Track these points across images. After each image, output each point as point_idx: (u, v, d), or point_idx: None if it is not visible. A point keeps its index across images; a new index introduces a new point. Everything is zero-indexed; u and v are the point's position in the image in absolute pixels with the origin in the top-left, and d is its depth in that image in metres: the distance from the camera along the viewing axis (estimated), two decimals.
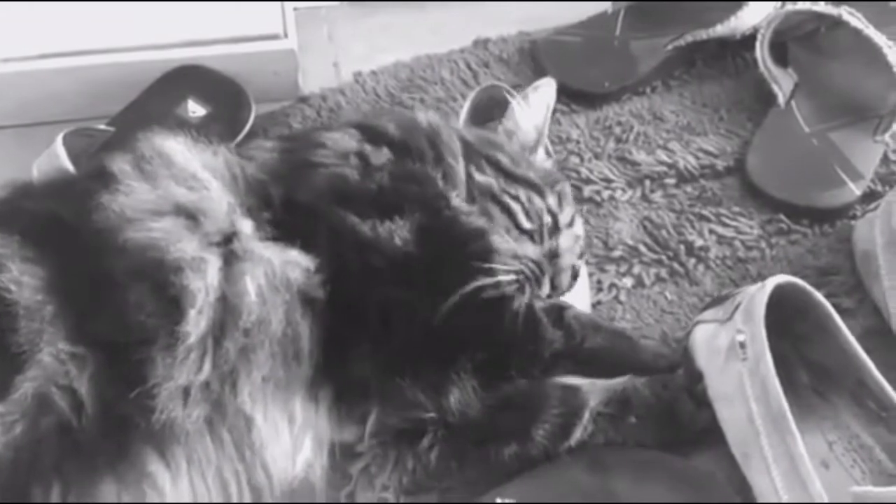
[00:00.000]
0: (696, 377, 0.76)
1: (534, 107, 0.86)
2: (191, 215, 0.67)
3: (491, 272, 0.71)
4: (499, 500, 0.67)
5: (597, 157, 1.00)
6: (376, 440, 0.73)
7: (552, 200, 0.81)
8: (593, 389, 0.73)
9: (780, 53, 1.05)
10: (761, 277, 0.89)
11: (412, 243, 0.70)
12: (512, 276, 0.73)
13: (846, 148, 0.99)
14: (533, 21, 1.15)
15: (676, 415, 0.74)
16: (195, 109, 0.98)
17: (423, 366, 0.69)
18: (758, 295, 0.73)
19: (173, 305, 0.63)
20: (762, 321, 0.72)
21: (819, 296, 0.75)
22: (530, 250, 0.77)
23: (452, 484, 0.74)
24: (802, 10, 1.01)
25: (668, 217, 0.95)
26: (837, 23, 1.00)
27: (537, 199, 0.80)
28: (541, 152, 0.86)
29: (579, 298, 0.84)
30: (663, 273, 0.91)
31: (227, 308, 0.65)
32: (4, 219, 0.67)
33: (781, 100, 1.03)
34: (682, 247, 0.92)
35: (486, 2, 1.18)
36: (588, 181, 0.97)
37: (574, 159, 0.99)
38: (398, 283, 0.69)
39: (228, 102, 0.99)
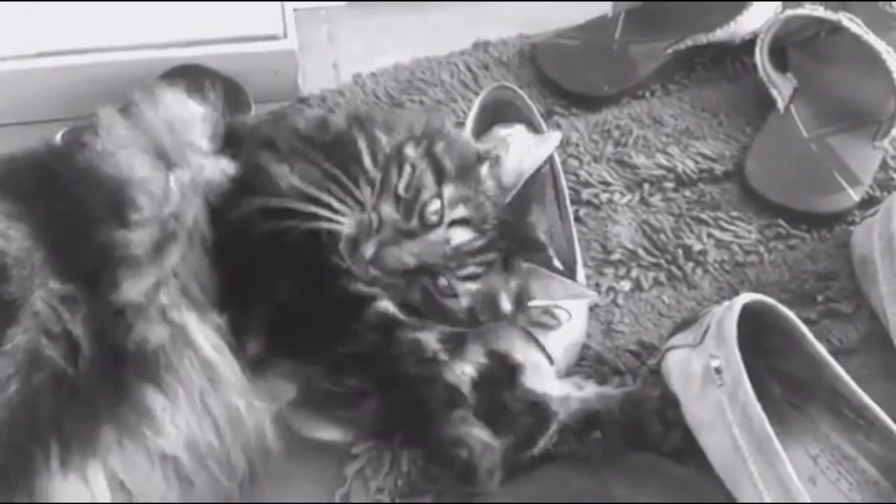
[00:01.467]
0: (671, 403, 0.75)
1: (530, 155, 0.79)
2: (156, 140, 0.72)
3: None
4: None
5: (595, 160, 1.00)
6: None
7: (450, 192, 0.73)
8: (563, 405, 0.73)
9: (780, 58, 1.05)
10: (759, 282, 0.90)
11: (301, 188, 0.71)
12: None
13: (845, 153, 0.99)
14: (533, 24, 1.15)
15: (644, 435, 0.74)
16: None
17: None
18: (727, 317, 0.72)
19: (127, 220, 0.68)
20: (735, 344, 0.71)
21: (785, 310, 0.74)
22: (387, 210, 0.72)
23: (447, 487, 0.73)
24: (802, 15, 1.02)
25: (667, 221, 0.95)
26: (837, 28, 1.00)
27: (429, 178, 0.73)
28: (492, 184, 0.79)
29: (577, 304, 0.84)
30: (661, 277, 0.90)
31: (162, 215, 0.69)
32: None
33: (781, 105, 1.03)
34: (680, 251, 0.92)
35: (486, 3, 1.18)
36: (587, 184, 0.97)
37: (573, 162, 0.99)
38: (277, 217, 0.70)
39: (228, 102, 0.98)
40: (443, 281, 0.72)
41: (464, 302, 0.73)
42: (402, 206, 0.71)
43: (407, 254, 0.70)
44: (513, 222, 0.76)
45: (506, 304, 0.75)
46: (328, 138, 0.76)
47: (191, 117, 0.76)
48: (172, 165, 0.71)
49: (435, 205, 0.71)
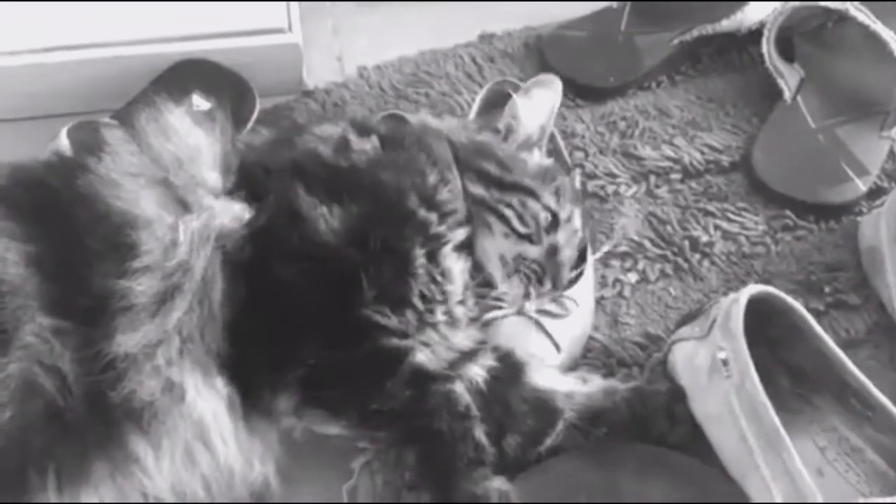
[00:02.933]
0: (678, 396, 0.75)
1: (537, 102, 0.84)
2: (164, 174, 0.69)
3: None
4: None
5: (601, 152, 1.00)
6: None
7: (549, 199, 0.80)
8: (569, 403, 0.73)
9: (787, 48, 1.05)
10: (767, 273, 0.90)
11: (338, 234, 0.69)
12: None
13: (852, 143, 0.98)
14: (538, 16, 1.15)
15: (649, 431, 0.74)
16: (200, 103, 0.98)
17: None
18: (734, 309, 0.72)
19: (128, 266, 0.64)
20: (742, 336, 0.71)
21: (792, 301, 0.74)
22: (532, 251, 0.78)
23: None
24: (809, 4, 1.01)
25: (673, 212, 0.95)
26: (844, 18, 0.99)
27: (531, 203, 0.78)
28: (536, 153, 0.84)
29: (584, 295, 0.84)
30: (668, 269, 0.90)
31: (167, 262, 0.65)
32: None
33: (787, 95, 1.02)
34: (686, 242, 0.92)
35: None
36: (593, 176, 0.97)
37: (578, 154, 0.99)
38: (307, 269, 0.68)
39: (233, 96, 0.99)
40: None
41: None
42: (537, 238, 0.78)
43: (568, 266, 0.79)
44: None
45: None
46: (354, 163, 0.74)
47: (198, 145, 0.72)
48: (181, 206, 0.68)
49: (546, 215, 0.78)
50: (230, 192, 0.70)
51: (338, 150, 0.75)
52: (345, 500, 0.74)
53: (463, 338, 0.74)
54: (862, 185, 0.95)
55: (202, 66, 1.00)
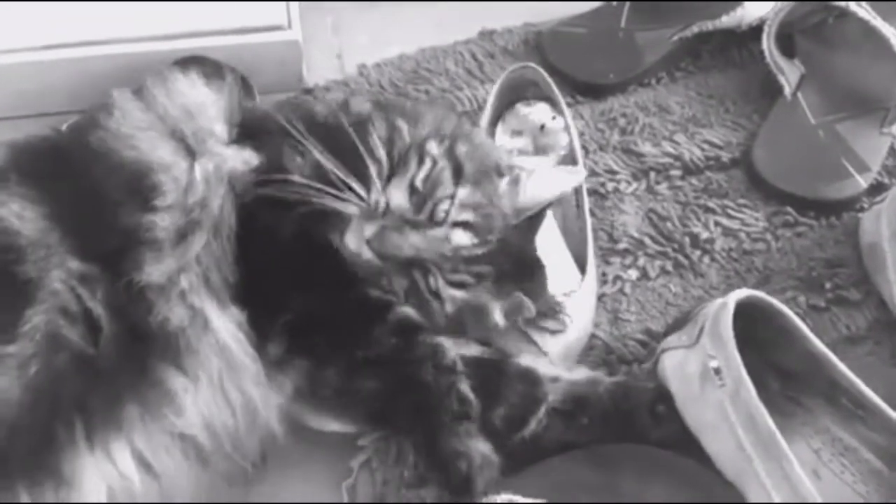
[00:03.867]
0: (664, 397, 0.75)
1: (553, 182, 0.80)
2: (174, 126, 0.73)
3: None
4: (503, 496, 0.67)
5: (602, 148, 1.00)
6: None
7: (466, 195, 0.74)
8: (554, 387, 0.73)
9: (787, 45, 1.04)
10: (767, 269, 0.90)
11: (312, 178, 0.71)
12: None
13: (853, 140, 0.98)
14: (538, 12, 1.14)
15: (631, 426, 0.74)
16: None
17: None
18: (722, 315, 0.71)
19: (152, 204, 0.68)
20: (733, 344, 0.70)
21: (780, 304, 0.73)
22: (398, 197, 0.73)
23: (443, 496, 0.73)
24: (809, 1, 1.01)
25: (674, 209, 0.94)
26: (845, 14, 0.99)
27: (447, 175, 0.74)
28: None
29: (586, 295, 0.84)
30: (668, 265, 0.90)
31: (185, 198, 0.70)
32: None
33: (788, 91, 1.02)
34: (687, 239, 0.92)
35: None
36: (593, 173, 0.97)
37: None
38: (290, 216, 0.70)
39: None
40: (431, 280, 0.73)
41: (448, 307, 0.74)
42: (415, 197, 0.72)
43: (407, 243, 0.71)
44: (515, 245, 0.77)
45: (498, 319, 0.76)
46: (348, 121, 0.75)
47: (206, 101, 0.76)
48: (194, 153, 0.71)
49: (446, 203, 0.73)
50: (235, 143, 0.74)
51: (332, 110, 0.78)
52: (344, 499, 0.74)
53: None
54: (862, 182, 0.95)
55: (202, 64, 0.99)
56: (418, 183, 0.73)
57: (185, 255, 0.67)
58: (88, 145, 0.71)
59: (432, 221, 0.72)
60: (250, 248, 0.70)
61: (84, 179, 0.69)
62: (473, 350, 0.74)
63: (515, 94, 0.98)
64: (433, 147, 0.75)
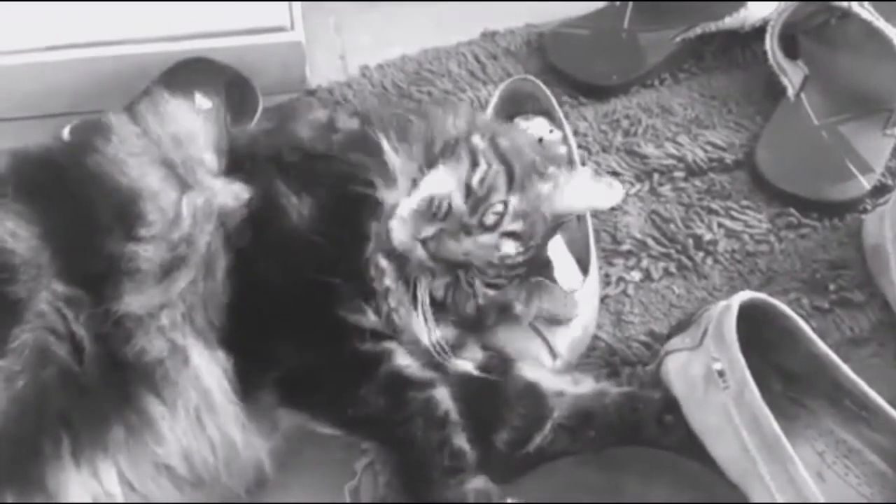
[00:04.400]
0: (670, 406, 0.74)
1: (593, 195, 0.79)
2: (164, 154, 0.72)
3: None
4: (509, 499, 0.67)
5: (605, 150, 1.00)
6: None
7: (515, 202, 0.74)
8: (559, 402, 0.73)
9: (790, 45, 1.04)
10: (770, 271, 0.90)
11: (307, 221, 0.71)
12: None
13: (856, 141, 0.98)
14: (541, 13, 1.14)
15: (639, 437, 0.73)
16: (202, 102, 0.98)
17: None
18: (725, 318, 0.71)
19: (135, 233, 0.68)
20: (737, 346, 0.70)
21: (783, 306, 0.73)
22: (458, 199, 0.72)
23: None
24: (813, 1, 1.01)
25: (677, 211, 0.94)
26: (848, 15, 0.99)
27: (502, 181, 0.74)
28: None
29: (587, 297, 0.84)
30: (672, 267, 0.90)
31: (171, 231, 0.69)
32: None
33: (791, 92, 1.02)
34: (690, 240, 0.92)
35: None
36: (596, 175, 0.96)
37: (582, 153, 0.99)
38: (283, 262, 0.70)
39: (235, 95, 0.99)
40: (471, 279, 0.73)
41: (480, 301, 0.74)
42: (472, 199, 0.72)
43: (461, 250, 0.71)
44: (544, 245, 0.77)
45: (519, 310, 0.76)
46: (335, 151, 0.74)
47: (196, 129, 0.75)
48: (183, 184, 0.71)
49: (498, 208, 0.72)
50: (225, 174, 0.73)
51: (318, 132, 0.77)
52: (347, 500, 0.74)
53: (447, 329, 0.74)
54: (866, 183, 0.95)
55: (205, 65, 0.99)
56: (475, 185, 0.72)
57: (169, 291, 0.66)
58: (84, 167, 0.71)
59: (482, 226, 0.72)
60: (242, 291, 0.69)
61: (78, 201, 0.69)
62: (479, 356, 0.74)
63: (514, 107, 0.97)
64: (479, 142, 0.75)
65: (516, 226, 0.73)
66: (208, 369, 0.67)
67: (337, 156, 0.73)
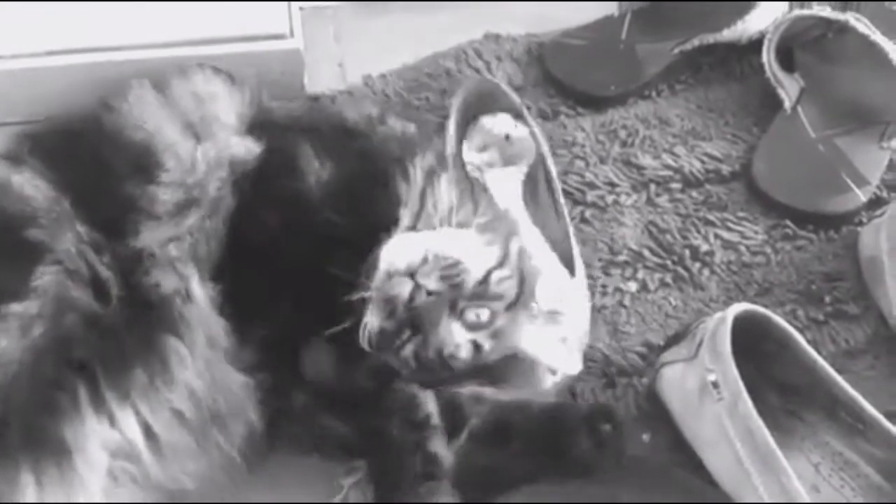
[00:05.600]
0: (606, 416, 0.71)
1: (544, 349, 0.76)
2: (184, 111, 0.76)
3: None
4: None
5: (602, 160, 1.00)
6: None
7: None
8: (476, 408, 0.71)
9: (787, 58, 1.05)
10: (767, 283, 0.90)
11: (324, 188, 0.72)
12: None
13: (852, 154, 0.98)
14: (540, 23, 1.15)
15: (569, 451, 0.69)
16: None
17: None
18: (720, 330, 0.72)
19: (154, 178, 0.71)
20: (731, 358, 0.70)
21: (778, 318, 0.74)
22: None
23: None
24: (809, 15, 1.01)
25: (674, 222, 0.95)
26: (845, 28, 0.99)
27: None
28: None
29: (578, 291, 0.84)
30: (668, 278, 0.90)
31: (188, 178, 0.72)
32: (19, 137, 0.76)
33: (788, 105, 1.02)
34: (687, 251, 0.92)
35: (494, 1, 1.17)
36: (593, 185, 0.97)
37: (579, 163, 0.99)
38: (289, 219, 0.71)
39: None
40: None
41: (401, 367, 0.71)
42: (480, 290, 0.69)
43: (442, 327, 0.69)
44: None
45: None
46: (377, 138, 0.76)
47: (219, 92, 0.79)
48: (199, 138, 0.74)
49: (485, 314, 0.70)
50: (245, 132, 0.76)
51: (365, 119, 0.79)
52: None
53: None
54: (862, 196, 0.95)
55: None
56: (493, 281, 0.70)
57: (180, 227, 0.70)
58: (100, 126, 0.75)
59: (461, 317, 0.69)
60: (246, 237, 0.71)
61: (94, 157, 0.72)
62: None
63: (478, 109, 0.96)
64: (514, 247, 0.74)
65: (485, 341, 0.70)
66: (206, 303, 0.69)
67: (376, 142, 0.75)
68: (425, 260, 0.67)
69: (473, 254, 0.70)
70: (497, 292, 0.70)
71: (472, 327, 0.70)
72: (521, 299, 0.73)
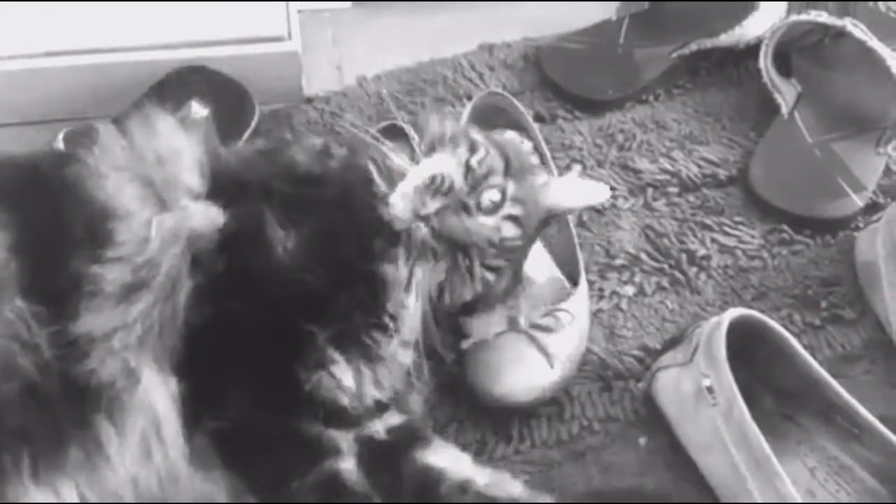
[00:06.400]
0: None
1: (575, 196, 0.80)
2: (145, 171, 0.69)
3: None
4: None
5: (599, 164, 1.00)
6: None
7: (512, 190, 0.74)
8: (463, 496, 0.67)
9: (784, 63, 1.05)
10: (763, 287, 0.90)
11: (297, 255, 0.68)
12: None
13: (849, 159, 0.99)
14: (538, 27, 1.15)
15: None
16: (198, 110, 0.97)
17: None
18: (715, 334, 0.72)
19: (102, 254, 0.65)
20: (726, 363, 0.70)
21: (774, 323, 0.74)
22: (458, 178, 0.71)
23: None
24: (807, 20, 1.01)
25: (671, 226, 0.95)
26: (842, 34, 1.00)
27: (499, 162, 0.74)
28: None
29: (581, 301, 0.84)
30: (665, 282, 0.90)
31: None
32: None
33: (784, 110, 1.03)
34: (683, 255, 0.92)
35: (490, 2, 1.18)
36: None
37: (576, 167, 0.99)
38: (256, 298, 0.67)
39: (232, 104, 0.99)
40: (471, 262, 0.72)
41: (477, 287, 0.73)
42: (471, 179, 0.71)
43: (464, 227, 0.69)
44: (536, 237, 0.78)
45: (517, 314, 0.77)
46: (332, 168, 0.73)
47: (179, 147, 0.72)
48: (159, 203, 0.68)
49: (494, 193, 0.72)
50: (207, 197, 0.70)
51: (315, 157, 0.75)
52: None
53: (390, 381, 0.71)
54: (858, 201, 0.95)
55: (201, 74, 0.99)
56: (474, 164, 0.72)
57: (126, 314, 0.64)
58: (63, 175, 0.69)
59: (480, 209, 0.71)
60: (203, 319, 0.66)
61: (53, 211, 0.67)
62: (394, 420, 0.71)
63: (485, 122, 0.95)
64: (477, 134, 0.75)
65: (515, 210, 0.73)
66: (158, 394, 0.64)
67: (331, 186, 0.72)
68: (414, 196, 0.68)
69: (441, 159, 0.72)
70: (486, 171, 0.72)
71: (494, 208, 0.72)
72: (513, 163, 0.75)
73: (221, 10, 1.01)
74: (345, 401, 0.67)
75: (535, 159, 0.94)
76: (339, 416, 0.67)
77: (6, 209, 0.66)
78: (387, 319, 0.70)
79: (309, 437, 0.66)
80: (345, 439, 0.67)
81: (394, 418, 0.71)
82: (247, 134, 0.97)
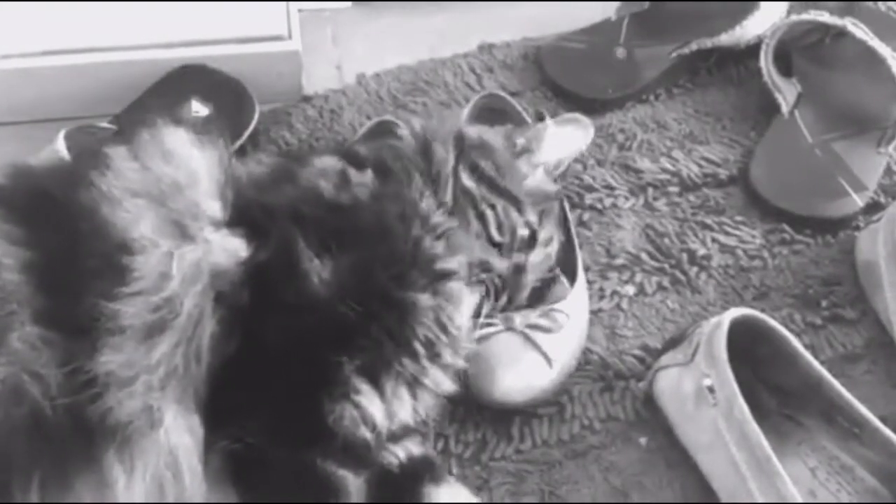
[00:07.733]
0: None
1: (566, 137, 0.87)
2: (163, 198, 0.66)
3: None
4: None
5: (599, 164, 1.00)
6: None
7: (532, 216, 0.79)
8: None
9: (785, 63, 1.05)
10: (764, 287, 0.90)
11: (330, 287, 0.66)
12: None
13: (849, 158, 0.98)
14: (538, 26, 1.15)
15: None
16: (198, 109, 0.98)
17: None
18: (716, 334, 0.72)
19: (120, 290, 0.62)
20: (727, 363, 0.70)
21: (775, 323, 0.74)
22: (498, 263, 0.76)
23: None
24: (807, 20, 1.01)
25: (671, 225, 0.95)
26: (842, 33, 1.00)
27: (514, 214, 0.78)
28: (539, 173, 0.84)
29: (578, 307, 0.84)
30: (665, 282, 0.90)
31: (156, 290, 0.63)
32: None
33: (785, 109, 1.03)
34: (684, 255, 0.92)
35: (490, 2, 1.18)
36: (590, 188, 0.97)
37: (576, 166, 0.99)
38: (291, 327, 0.65)
39: (232, 103, 0.99)
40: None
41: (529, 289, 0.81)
42: (507, 251, 0.77)
43: (529, 287, 0.79)
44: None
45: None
46: (363, 193, 0.71)
47: (197, 171, 0.69)
48: (180, 234, 0.65)
49: (524, 231, 0.77)
50: (228, 225, 0.68)
51: (338, 185, 0.72)
52: None
53: (423, 408, 0.70)
54: (859, 201, 0.95)
55: (202, 72, 0.99)
56: (496, 236, 0.77)
57: (149, 357, 0.61)
58: (78, 199, 0.65)
59: (521, 249, 0.78)
60: (229, 353, 0.64)
61: (67, 234, 0.64)
62: (405, 452, 0.70)
63: (483, 122, 0.94)
64: (466, 180, 0.77)
65: (548, 232, 0.81)
66: (180, 435, 0.62)
67: (365, 207, 0.70)
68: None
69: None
70: (511, 231, 0.78)
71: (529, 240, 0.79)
72: (518, 197, 0.79)
73: (221, 9, 1.01)
74: (367, 435, 0.66)
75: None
76: (358, 452, 0.66)
77: (18, 222, 0.64)
78: (417, 345, 0.68)
79: (320, 475, 0.65)
80: (354, 484, 0.65)
81: (416, 448, 0.70)
82: (247, 133, 0.97)
